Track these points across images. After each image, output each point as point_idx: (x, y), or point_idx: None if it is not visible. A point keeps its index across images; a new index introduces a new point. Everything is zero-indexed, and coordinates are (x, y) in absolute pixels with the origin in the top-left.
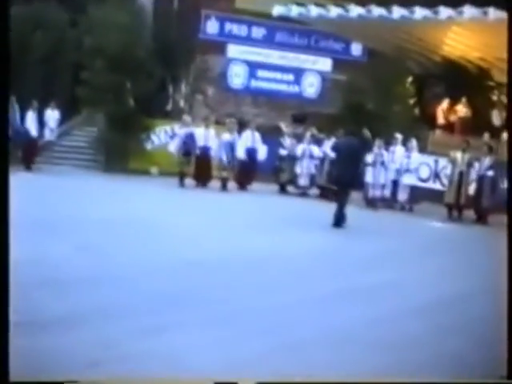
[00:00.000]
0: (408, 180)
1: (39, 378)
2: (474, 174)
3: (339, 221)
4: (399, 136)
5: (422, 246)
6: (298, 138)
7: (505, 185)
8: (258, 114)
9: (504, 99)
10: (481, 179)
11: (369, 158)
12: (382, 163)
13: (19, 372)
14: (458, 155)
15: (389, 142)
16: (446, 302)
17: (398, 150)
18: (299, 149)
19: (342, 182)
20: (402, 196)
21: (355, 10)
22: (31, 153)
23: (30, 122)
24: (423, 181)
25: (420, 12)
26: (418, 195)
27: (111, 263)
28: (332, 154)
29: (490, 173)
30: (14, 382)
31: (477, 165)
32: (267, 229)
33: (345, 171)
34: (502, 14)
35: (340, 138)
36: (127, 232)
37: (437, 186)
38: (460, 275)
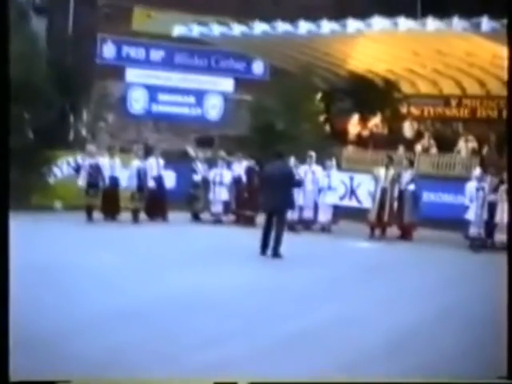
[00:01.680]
0: (330, 199)
1: (39, 377)
2: (396, 191)
3: (276, 249)
4: (313, 154)
5: (353, 270)
6: (210, 163)
7: (425, 198)
8: (161, 139)
9: (414, 110)
10: (402, 194)
11: None
12: (299, 184)
13: (19, 372)
14: (381, 172)
15: (303, 161)
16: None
17: (316, 168)
18: (211, 174)
19: (278, 209)
20: (325, 216)
21: (259, 27)
22: None
23: None
24: (339, 199)
25: (327, 26)
26: (338, 214)
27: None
28: (244, 178)
29: (412, 187)
30: (14, 381)
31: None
32: (189, 263)
33: (280, 196)
34: (413, 24)
35: (253, 162)
36: (30, 280)
37: (353, 203)
38: (410, 296)
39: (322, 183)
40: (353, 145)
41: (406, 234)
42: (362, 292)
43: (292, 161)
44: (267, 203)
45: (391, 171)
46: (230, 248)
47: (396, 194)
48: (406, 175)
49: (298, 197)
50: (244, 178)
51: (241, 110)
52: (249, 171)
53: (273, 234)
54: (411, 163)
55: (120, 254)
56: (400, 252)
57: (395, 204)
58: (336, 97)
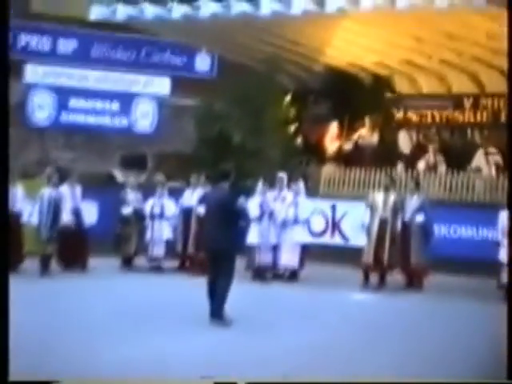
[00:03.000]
0: (299, 236)
1: (39, 377)
2: (399, 223)
3: (217, 310)
4: (283, 176)
5: (344, 333)
6: (145, 191)
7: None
8: (76, 159)
9: (413, 116)
10: (407, 227)
11: (253, 209)
12: (271, 216)
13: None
14: (379, 197)
15: (271, 185)
16: None
17: (288, 195)
18: (148, 205)
19: (214, 250)
20: (290, 258)
21: (206, 8)
22: None
23: None
24: (316, 235)
25: (298, 4)
26: (310, 255)
27: None
28: (200, 209)
29: (420, 218)
30: (14, 381)
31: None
32: (117, 329)
33: (218, 233)
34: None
35: (208, 187)
36: None
37: (335, 240)
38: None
39: (286, 214)
40: (333, 162)
41: (413, 281)
42: (357, 365)
43: (259, 185)
44: (205, 243)
45: (392, 196)
46: (174, 307)
47: (399, 226)
48: (412, 202)
49: (268, 233)
50: (197, 210)
51: (181, 118)
52: (205, 198)
53: (217, 287)
54: (417, 185)
55: (24, 314)
56: (407, 306)
57: (398, 240)
58: (309, 99)
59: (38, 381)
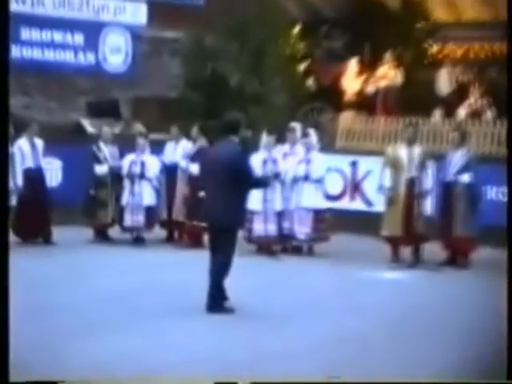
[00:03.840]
0: (310, 200)
1: (39, 377)
2: (429, 182)
3: (216, 298)
4: (297, 126)
5: (375, 322)
6: (122, 145)
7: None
8: (30, 105)
9: (452, 50)
10: (449, 189)
11: (255, 168)
12: (277, 176)
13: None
14: (402, 151)
15: (280, 138)
16: None
17: (299, 150)
18: (125, 162)
19: (215, 220)
20: (302, 227)
21: None
22: None
23: None
24: (333, 198)
25: None
26: (327, 224)
27: None
28: (192, 167)
29: (466, 178)
30: (14, 382)
31: (432, 166)
32: (92, 320)
33: (219, 201)
34: None
35: (202, 140)
36: None
37: (357, 204)
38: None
39: (295, 173)
40: (352, 109)
41: (458, 257)
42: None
43: (265, 138)
44: (206, 212)
45: (417, 149)
46: (164, 288)
47: (429, 187)
48: (456, 158)
49: (274, 198)
50: (185, 167)
51: (162, 55)
52: (200, 154)
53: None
54: (463, 137)
55: None
56: (450, 287)
57: (430, 204)
58: (322, 31)
59: (38, 381)
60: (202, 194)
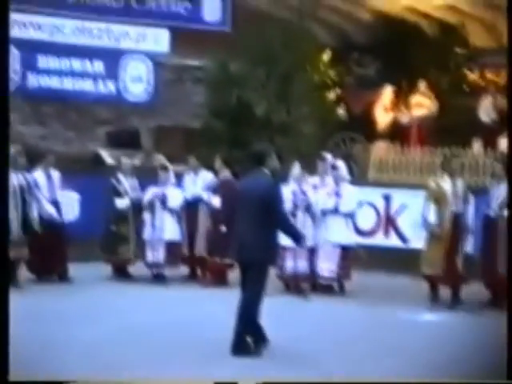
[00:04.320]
0: (338, 235)
1: (39, 377)
2: (472, 217)
3: (242, 337)
4: (328, 156)
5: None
6: (143, 176)
7: None
8: (47, 135)
9: (492, 76)
10: (492, 224)
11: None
12: (308, 209)
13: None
14: (446, 184)
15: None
16: None
17: (329, 182)
18: (147, 195)
19: (247, 256)
20: (328, 265)
21: None
22: None
23: None
24: (365, 234)
25: None
26: (353, 261)
27: None
28: (214, 200)
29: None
30: (14, 381)
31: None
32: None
33: (251, 236)
34: None
35: (225, 172)
36: None
37: (391, 241)
38: None
39: (324, 207)
40: (386, 139)
41: (502, 296)
42: None
43: (296, 169)
44: (237, 247)
45: (460, 182)
46: (185, 328)
47: (471, 221)
48: (499, 191)
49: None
50: (212, 200)
51: (185, 83)
52: (224, 187)
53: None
54: (507, 169)
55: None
56: (493, 329)
57: (468, 241)
58: (353, 58)
59: (38, 381)
60: (224, 228)
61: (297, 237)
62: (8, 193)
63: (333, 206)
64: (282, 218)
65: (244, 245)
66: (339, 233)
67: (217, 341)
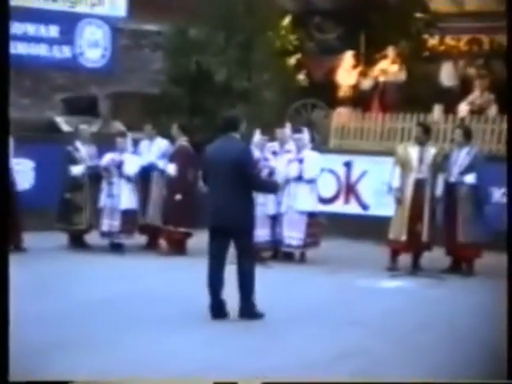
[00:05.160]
0: (304, 202)
1: (39, 377)
2: (441, 185)
3: (251, 302)
4: (287, 125)
5: (379, 332)
6: (99, 143)
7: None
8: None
9: (452, 42)
10: (453, 191)
11: None
12: (270, 175)
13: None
14: (413, 152)
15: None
16: None
17: (290, 148)
18: (103, 162)
19: (233, 225)
20: (295, 234)
21: None
22: None
23: None
24: (326, 201)
25: None
26: (320, 229)
27: None
28: (170, 168)
29: (470, 178)
30: (14, 381)
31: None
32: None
33: (230, 203)
34: None
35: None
36: None
37: (351, 208)
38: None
39: (286, 174)
40: (347, 105)
41: (462, 264)
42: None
43: (257, 136)
44: (214, 213)
45: (431, 150)
46: (149, 297)
47: (441, 190)
48: (460, 157)
49: (266, 200)
50: (169, 167)
51: (143, 49)
52: (181, 154)
53: (238, 276)
54: (467, 135)
55: None
56: (455, 297)
57: (440, 209)
58: (314, 23)
59: (38, 381)
60: (179, 196)
61: (272, 188)
62: None
63: (296, 173)
64: (255, 179)
65: (223, 210)
66: (304, 200)
67: (181, 310)
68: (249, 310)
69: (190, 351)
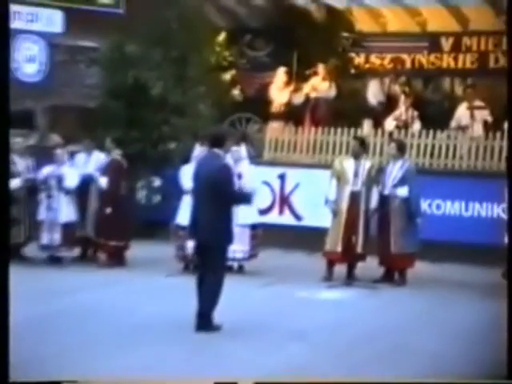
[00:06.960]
0: (245, 216)
1: (39, 377)
2: (376, 197)
3: (207, 315)
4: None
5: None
6: (38, 156)
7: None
8: None
9: (376, 60)
10: (387, 203)
11: (186, 180)
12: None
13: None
14: (349, 165)
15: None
16: None
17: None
18: (41, 175)
19: (210, 241)
20: (240, 246)
21: None
22: None
23: None
24: (261, 212)
25: None
26: (260, 240)
27: None
28: (100, 181)
29: (403, 191)
30: (14, 382)
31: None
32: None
33: (208, 218)
34: None
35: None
36: None
37: (286, 219)
38: None
39: None
40: (280, 119)
41: (394, 273)
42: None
43: (197, 150)
44: (195, 229)
45: (366, 163)
46: (87, 317)
47: (375, 202)
48: (394, 170)
49: None
50: (101, 180)
51: (78, 64)
52: (113, 167)
53: (204, 287)
54: (401, 148)
55: None
56: (388, 306)
57: (374, 221)
58: (245, 41)
59: (38, 381)
60: (109, 210)
61: (248, 199)
62: None
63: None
64: (232, 194)
65: (204, 227)
66: (246, 213)
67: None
68: (207, 320)
69: (133, 365)
